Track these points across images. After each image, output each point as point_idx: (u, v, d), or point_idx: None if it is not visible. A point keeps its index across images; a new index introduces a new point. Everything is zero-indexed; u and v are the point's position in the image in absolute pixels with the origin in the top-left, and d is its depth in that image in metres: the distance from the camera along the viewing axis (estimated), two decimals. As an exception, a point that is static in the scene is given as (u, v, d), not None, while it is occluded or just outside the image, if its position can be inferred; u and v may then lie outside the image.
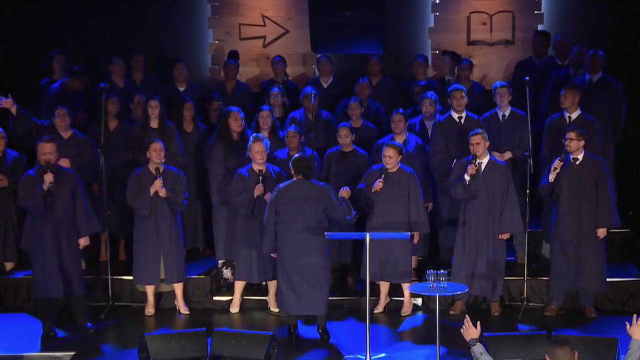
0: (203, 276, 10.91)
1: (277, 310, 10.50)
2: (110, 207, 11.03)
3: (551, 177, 10.17)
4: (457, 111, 10.99)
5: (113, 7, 13.23)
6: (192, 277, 10.81)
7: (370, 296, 9.04)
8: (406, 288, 10.34)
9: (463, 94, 10.97)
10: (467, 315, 7.25)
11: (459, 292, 9.03)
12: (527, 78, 10.62)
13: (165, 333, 9.14)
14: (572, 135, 10.13)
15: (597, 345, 8.45)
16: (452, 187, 10.22)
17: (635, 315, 6.97)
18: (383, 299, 10.50)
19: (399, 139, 10.71)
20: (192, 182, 11.17)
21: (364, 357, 8.94)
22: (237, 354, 8.74)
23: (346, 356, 9.26)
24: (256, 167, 10.28)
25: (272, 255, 9.85)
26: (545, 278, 10.56)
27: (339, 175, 10.77)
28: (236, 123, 10.86)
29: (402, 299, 10.51)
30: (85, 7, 13.21)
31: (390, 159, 10.13)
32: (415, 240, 10.25)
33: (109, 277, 10.67)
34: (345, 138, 10.82)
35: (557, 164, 10.12)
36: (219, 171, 10.80)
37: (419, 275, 10.57)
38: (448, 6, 13.27)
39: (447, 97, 11.07)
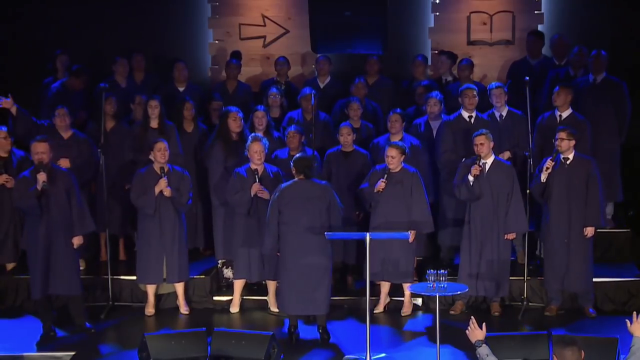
0: (203, 276, 10.91)
1: (277, 310, 10.50)
2: (109, 207, 11.01)
3: (543, 177, 10.18)
4: (467, 110, 10.98)
5: (113, 7, 13.23)
6: (192, 277, 10.80)
7: (370, 296, 9.05)
8: (406, 288, 10.34)
9: (474, 93, 10.97)
10: (472, 317, 7.22)
11: (459, 292, 9.03)
12: (527, 78, 10.63)
13: (165, 333, 9.14)
14: (562, 134, 10.14)
15: (597, 345, 8.44)
16: (456, 187, 10.22)
17: (635, 312, 6.97)
18: (383, 299, 10.50)
19: (395, 139, 10.71)
20: (192, 182, 11.15)
21: (364, 357, 8.94)
22: (237, 354, 8.73)
23: (346, 356, 9.26)
24: (254, 167, 10.29)
25: (277, 254, 9.83)
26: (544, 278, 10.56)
27: (340, 176, 10.78)
28: (235, 123, 10.87)
29: (402, 299, 10.52)
30: (86, 7, 13.20)
31: (393, 159, 10.13)
32: (411, 240, 10.21)
33: (109, 277, 10.68)
34: (347, 136, 10.82)
35: (549, 163, 10.13)
36: (218, 171, 10.82)
37: (419, 275, 10.56)
38: (448, 6, 13.27)
39: (459, 96, 11.05)
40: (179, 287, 10.55)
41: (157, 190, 10.24)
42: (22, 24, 13.29)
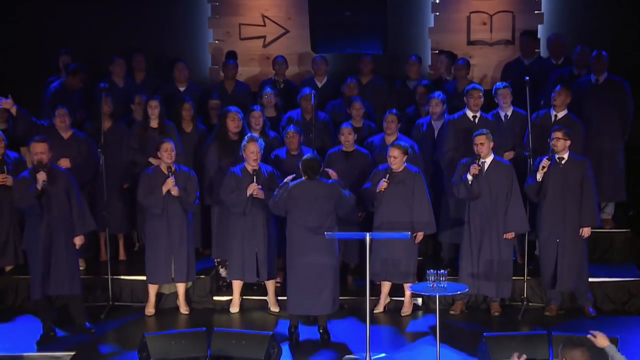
0: (203, 276, 10.91)
1: (277, 310, 10.51)
2: (109, 206, 11.01)
3: (539, 176, 10.19)
4: (472, 110, 10.98)
5: (113, 7, 13.23)
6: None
7: (370, 296, 9.05)
8: (407, 288, 10.34)
9: (480, 94, 10.97)
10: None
11: (459, 292, 9.03)
12: (527, 78, 10.63)
13: (165, 333, 9.14)
14: (558, 134, 10.15)
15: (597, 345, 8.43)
16: (455, 186, 10.23)
17: (590, 331, 7.00)
18: (383, 299, 10.50)
19: (391, 140, 10.71)
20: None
21: (364, 357, 8.94)
22: (237, 354, 8.74)
23: (346, 356, 9.26)
24: (249, 167, 10.29)
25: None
26: (544, 278, 10.58)
27: (341, 176, 10.76)
28: (233, 123, 10.88)
29: (402, 298, 10.52)
30: (86, 7, 13.20)
31: (395, 159, 10.14)
32: (417, 240, 10.24)
33: (109, 277, 10.67)
34: (348, 136, 10.82)
35: (545, 162, 10.14)
36: (211, 170, 10.83)
37: (419, 275, 10.56)
38: (448, 6, 13.26)
39: (464, 95, 11.05)
40: (181, 287, 10.55)
41: (164, 189, 10.26)
42: (22, 24, 13.28)
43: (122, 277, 10.94)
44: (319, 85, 12.45)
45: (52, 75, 12.48)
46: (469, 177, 10.12)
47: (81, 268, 10.56)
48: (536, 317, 10.28)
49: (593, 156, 11.08)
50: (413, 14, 13.27)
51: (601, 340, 6.97)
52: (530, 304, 10.51)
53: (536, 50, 12.79)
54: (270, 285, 10.56)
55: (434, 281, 8.50)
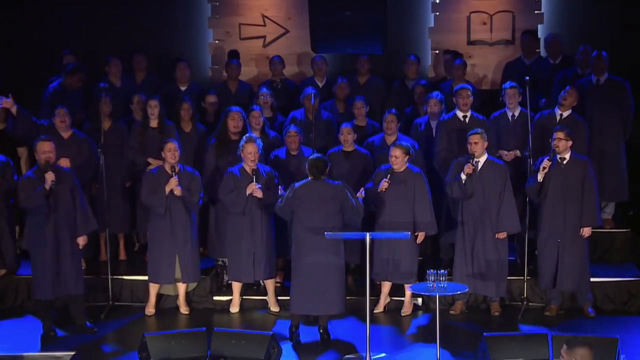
0: (203, 276, 10.90)
1: (277, 310, 10.51)
2: (109, 206, 11.01)
3: (540, 176, 10.19)
4: (462, 110, 10.99)
5: (113, 7, 13.22)
6: (193, 277, 10.82)
7: (370, 296, 9.05)
8: (407, 288, 10.34)
9: (469, 93, 10.98)
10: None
11: (459, 292, 9.03)
12: (527, 78, 10.63)
13: (165, 333, 9.14)
14: (560, 135, 10.15)
15: (597, 345, 8.39)
16: (448, 185, 10.24)
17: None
18: (383, 299, 10.50)
19: (391, 140, 10.71)
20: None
21: (364, 357, 8.94)
22: (237, 354, 8.73)
23: (346, 356, 9.26)
24: (248, 167, 10.29)
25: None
26: (544, 278, 10.58)
27: (341, 176, 10.76)
28: (233, 122, 10.88)
29: (402, 298, 10.52)
30: (86, 7, 13.20)
31: (397, 159, 10.14)
32: (419, 241, 10.23)
33: (109, 277, 10.67)
34: (347, 135, 10.81)
35: (546, 163, 10.14)
36: (210, 169, 10.84)
37: (419, 275, 10.55)
38: (448, 6, 13.26)
39: (453, 95, 11.06)
40: (182, 287, 10.55)
41: (167, 189, 10.26)
42: (22, 24, 13.28)
43: (122, 277, 10.94)
44: (320, 85, 12.46)
45: (53, 75, 12.46)
46: (463, 177, 10.12)
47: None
48: (536, 317, 10.28)
49: (594, 156, 11.09)
50: (413, 14, 13.27)
51: None
52: (530, 304, 10.51)
53: (537, 50, 12.79)
54: (270, 285, 10.56)
55: (434, 281, 8.50)
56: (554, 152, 10.17)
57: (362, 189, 9.98)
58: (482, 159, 10.25)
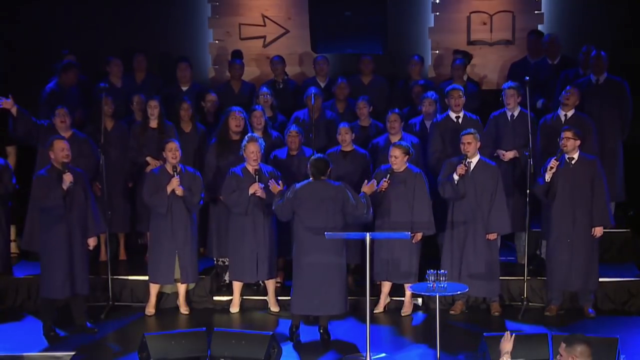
0: (203, 276, 10.91)
1: (277, 310, 10.51)
2: (109, 206, 11.02)
3: (547, 176, 10.18)
4: (454, 111, 11.00)
5: (113, 7, 13.23)
6: (193, 277, 10.82)
7: (370, 296, 9.05)
8: (407, 288, 10.33)
9: (460, 94, 10.98)
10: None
11: (459, 292, 9.02)
12: (527, 78, 10.63)
13: (165, 333, 9.14)
14: (568, 134, 10.14)
15: (597, 345, 8.40)
16: (440, 185, 10.24)
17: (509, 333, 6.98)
18: (383, 299, 10.50)
19: (395, 139, 10.71)
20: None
21: (364, 357, 8.94)
22: (237, 354, 8.73)
23: (346, 356, 9.26)
24: (250, 167, 10.29)
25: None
26: (545, 278, 10.56)
27: (340, 176, 10.76)
28: (234, 122, 10.88)
29: (402, 298, 10.52)
30: (86, 7, 13.20)
31: (396, 158, 10.15)
32: (415, 240, 10.24)
33: (109, 277, 10.67)
34: (345, 135, 10.81)
35: (553, 163, 10.13)
36: (211, 169, 10.84)
37: (419, 275, 10.55)
38: (448, 6, 13.27)
39: (445, 96, 11.07)
40: (182, 287, 10.55)
41: (169, 189, 10.27)
42: (22, 24, 13.28)
43: (122, 277, 10.94)
44: (322, 85, 12.46)
45: (53, 75, 12.46)
46: (456, 177, 10.12)
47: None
48: (536, 317, 10.28)
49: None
50: (413, 14, 13.27)
51: (507, 344, 6.94)
52: (530, 304, 10.51)
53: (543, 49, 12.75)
54: (271, 285, 10.57)
55: (434, 281, 8.50)
56: (561, 152, 10.15)
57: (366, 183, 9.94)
58: (475, 160, 10.25)
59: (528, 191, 10.51)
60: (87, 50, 12.99)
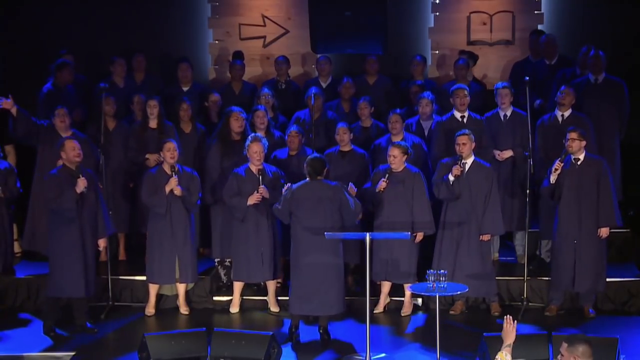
0: (203, 276, 10.91)
1: (277, 310, 10.51)
2: (111, 207, 11.03)
3: (552, 178, 10.16)
4: (459, 110, 11.00)
5: (113, 7, 13.23)
6: (192, 277, 10.82)
7: (370, 296, 9.05)
8: (407, 288, 10.33)
9: (465, 93, 10.98)
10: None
11: (459, 292, 9.03)
12: (527, 78, 10.63)
13: (165, 333, 9.14)
14: (573, 135, 10.12)
15: (597, 345, 8.39)
16: (435, 186, 10.23)
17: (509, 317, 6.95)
18: (383, 299, 10.50)
19: (397, 139, 10.70)
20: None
21: (364, 357, 8.94)
22: (237, 354, 8.74)
23: (346, 356, 9.26)
24: (254, 167, 10.29)
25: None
26: (545, 278, 10.57)
27: (339, 176, 10.76)
28: (237, 123, 10.88)
29: (402, 299, 10.52)
30: (86, 7, 13.21)
31: (395, 158, 10.14)
32: (417, 240, 10.23)
33: (109, 277, 10.67)
34: (343, 135, 10.81)
35: (558, 165, 10.11)
36: (214, 170, 10.83)
37: (419, 275, 10.55)
38: (448, 6, 13.27)
39: (450, 96, 11.07)
40: (181, 287, 10.55)
41: (167, 189, 10.27)
42: (22, 24, 13.29)
43: (122, 277, 10.94)
44: (324, 85, 12.45)
45: (50, 75, 12.45)
46: (451, 178, 10.12)
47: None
48: (536, 317, 10.28)
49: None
50: (413, 14, 13.28)
51: (511, 333, 6.91)
52: (530, 304, 10.51)
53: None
54: (271, 285, 10.56)
55: (434, 281, 8.50)
56: (566, 153, 10.14)
57: (350, 184, 9.94)
58: (469, 161, 10.24)
59: (528, 191, 10.51)
60: (87, 51, 13.00)
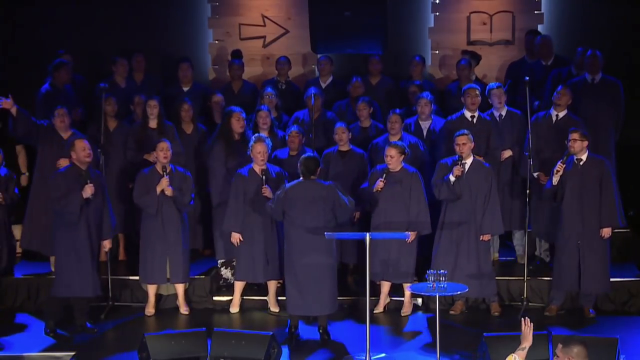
0: (203, 276, 10.91)
1: (277, 310, 10.51)
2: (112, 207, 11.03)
3: (554, 179, 10.15)
4: (470, 110, 10.99)
5: (113, 7, 13.23)
6: (192, 277, 10.80)
7: (370, 296, 9.05)
8: (406, 288, 10.33)
9: (477, 93, 10.98)
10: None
11: (459, 292, 9.03)
12: (527, 78, 10.63)
13: (165, 333, 9.14)
14: (575, 135, 10.12)
15: (597, 345, 8.42)
16: (435, 187, 10.22)
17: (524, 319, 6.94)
18: (383, 299, 10.50)
19: (394, 139, 10.70)
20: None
21: (364, 357, 8.94)
22: (237, 354, 8.73)
23: (346, 356, 9.26)
24: (257, 168, 10.29)
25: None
26: (546, 278, 10.57)
27: (337, 175, 10.77)
28: (238, 123, 10.88)
29: (402, 299, 10.52)
30: (86, 7, 13.20)
31: (392, 158, 10.14)
32: (410, 240, 10.19)
33: (109, 277, 10.67)
34: (341, 134, 10.82)
35: (560, 166, 10.10)
36: (220, 171, 10.82)
37: (419, 275, 10.56)
38: (448, 6, 13.27)
39: (462, 95, 11.06)
40: (180, 288, 10.56)
41: (158, 189, 10.26)
42: (22, 24, 13.29)
43: (122, 277, 10.94)
44: (323, 85, 12.45)
45: (48, 75, 12.45)
46: (452, 178, 10.12)
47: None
48: (536, 317, 10.25)
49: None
50: (413, 14, 13.27)
51: (529, 336, 6.90)
52: (530, 304, 10.51)
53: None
54: (272, 285, 10.56)
55: (434, 281, 8.50)
56: (568, 154, 10.13)
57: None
58: (469, 161, 10.24)
59: (528, 191, 10.51)
60: (87, 51, 13.00)
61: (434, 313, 9.10)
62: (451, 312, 10.46)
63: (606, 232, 10.14)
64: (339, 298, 10.29)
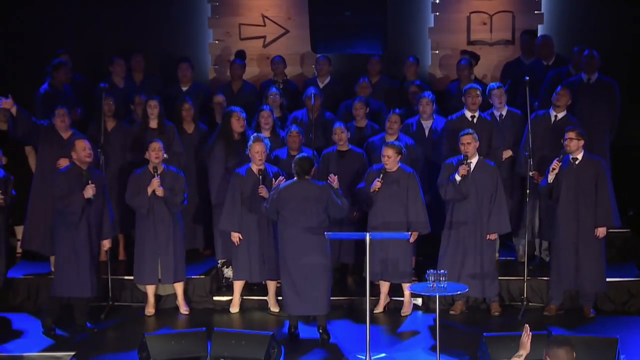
0: (203, 276, 10.91)
1: (277, 310, 10.51)
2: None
3: (550, 178, 10.16)
4: (470, 110, 10.99)
5: (113, 7, 13.23)
6: (192, 277, 10.81)
7: (370, 296, 9.05)
8: (406, 288, 10.33)
9: (478, 93, 10.98)
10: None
11: (459, 292, 9.03)
12: (527, 78, 10.63)
13: (165, 333, 9.14)
14: (571, 135, 10.12)
15: (597, 345, 8.44)
16: (441, 187, 10.22)
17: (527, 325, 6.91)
18: (383, 299, 10.50)
19: (391, 139, 10.70)
20: (192, 182, 11.17)
21: (364, 357, 8.94)
22: (237, 354, 8.74)
23: (346, 356, 9.26)
24: (255, 167, 10.29)
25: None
26: (546, 278, 10.57)
27: (337, 175, 10.75)
28: (238, 123, 10.88)
29: (402, 299, 10.52)
30: (86, 7, 13.21)
31: (389, 158, 10.14)
32: (412, 240, 10.21)
33: (109, 277, 10.67)
34: (341, 134, 10.82)
35: (555, 165, 10.11)
36: (220, 171, 10.82)
37: (419, 275, 10.56)
38: (448, 6, 13.27)
39: (462, 95, 11.06)
40: (178, 288, 10.55)
41: (149, 190, 10.25)
42: (22, 24, 13.29)
43: (122, 277, 10.94)
44: (321, 85, 12.45)
45: (47, 76, 12.45)
46: (458, 178, 10.12)
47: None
48: (536, 317, 10.28)
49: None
50: (413, 14, 13.28)
51: (527, 343, 6.86)
52: (530, 304, 10.51)
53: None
54: (271, 285, 10.56)
55: (434, 281, 8.50)
56: (564, 153, 10.14)
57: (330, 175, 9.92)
58: (474, 160, 10.24)
59: (528, 191, 10.51)
60: (87, 51, 13.00)
61: (434, 313, 9.10)
62: (451, 312, 10.46)
63: (601, 231, 10.14)
64: (339, 298, 10.35)
